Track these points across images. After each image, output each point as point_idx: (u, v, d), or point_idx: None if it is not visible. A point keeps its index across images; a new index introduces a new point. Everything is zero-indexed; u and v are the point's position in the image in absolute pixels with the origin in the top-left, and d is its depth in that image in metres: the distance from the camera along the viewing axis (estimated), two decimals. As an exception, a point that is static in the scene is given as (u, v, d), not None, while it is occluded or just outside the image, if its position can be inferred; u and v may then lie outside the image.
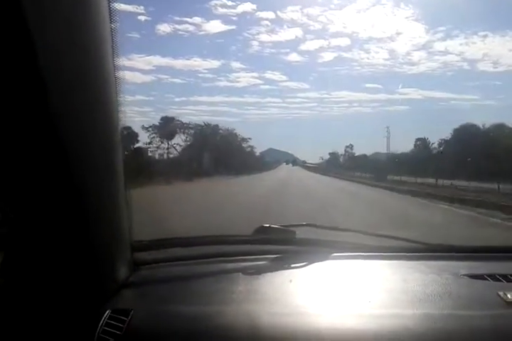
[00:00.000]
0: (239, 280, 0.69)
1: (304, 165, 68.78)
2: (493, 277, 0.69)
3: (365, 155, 52.03)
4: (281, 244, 0.81)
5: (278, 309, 0.59)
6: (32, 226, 0.48)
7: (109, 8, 0.50)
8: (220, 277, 0.71)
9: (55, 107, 0.43)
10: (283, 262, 0.75)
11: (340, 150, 65.24)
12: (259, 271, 0.70)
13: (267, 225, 0.80)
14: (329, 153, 72.64)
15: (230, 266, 0.74)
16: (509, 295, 0.60)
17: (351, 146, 70.65)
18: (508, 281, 0.68)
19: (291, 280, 0.66)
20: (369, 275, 0.72)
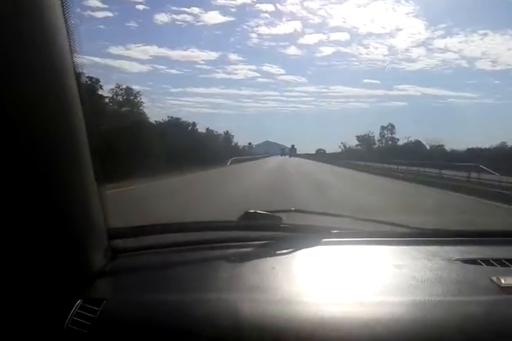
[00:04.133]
0: (221, 267, 0.94)
1: (323, 153, 72.11)
2: (486, 262, 0.95)
3: (419, 142, 52.21)
4: (267, 230, 1.09)
5: (260, 297, 0.79)
6: (3, 216, 0.66)
7: (63, 4, 0.72)
8: (201, 264, 0.96)
9: (13, 106, 0.62)
10: (268, 249, 1.02)
11: (376, 134, 65.30)
12: (242, 258, 0.97)
13: (252, 211, 1.09)
14: (357, 137, 72.65)
15: (212, 253, 1.01)
16: (503, 280, 0.82)
17: (391, 128, 69.85)
18: (502, 266, 0.94)
19: (273, 268, 0.92)
20: (358, 261, 0.98)
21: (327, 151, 77.13)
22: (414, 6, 78.42)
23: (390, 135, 65.92)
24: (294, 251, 1.02)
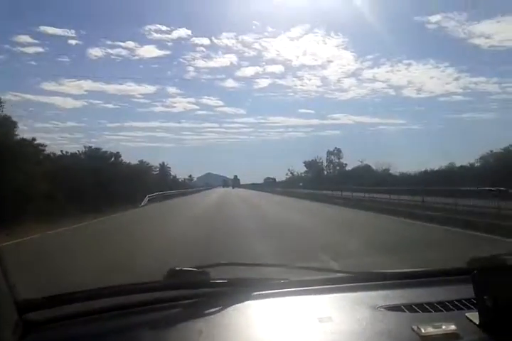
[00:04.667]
0: (145, 334, 0.95)
1: (272, 182, 73.75)
2: (409, 307, 1.05)
3: (368, 166, 54.30)
4: (195, 287, 1.13)
5: None
6: None
7: None
8: (124, 332, 0.97)
9: None
10: (196, 308, 1.06)
11: (323, 159, 67.22)
12: (168, 322, 0.98)
13: (178, 268, 1.13)
14: (304, 163, 74.51)
15: (135, 318, 1.02)
16: (422, 329, 0.88)
17: (338, 152, 73.14)
18: (423, 311, 1.03)
19: (201, 331, 0.94)
20: (286, 315, 1.04)
21: (277, 179, 78.77)
22: (343, 39, 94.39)
23: (337, 160, 66.33)
24: (222, 308, 1.05)
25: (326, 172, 62.68)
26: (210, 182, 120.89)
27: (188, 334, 0.93)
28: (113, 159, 33.49)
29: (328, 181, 43.98)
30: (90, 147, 31.18)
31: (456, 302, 1.05)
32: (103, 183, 21.20)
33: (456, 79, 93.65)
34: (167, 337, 0.93)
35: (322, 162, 63.00)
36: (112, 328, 0.97)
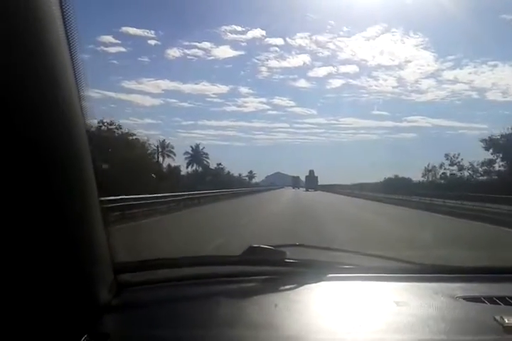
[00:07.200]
0: (224, 302, 1.11)
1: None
2: (490, 299, 1.10)
3: None
4: (271, 265, 1.29)
5: (262, 334, 0.92)
6: (10, 254, 0.74)
7: (68, 38, 0.85)
8: (205, 299, 1.14)
9: (22, 128, 0.72)
10: (271, 284, 1.21)
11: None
12: (245, 294, 1.15)
13: (256, 245, 1.30)
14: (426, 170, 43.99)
15: (216, 287, 1.21)
16: (506, 320, 0.92)
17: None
18: (506, 304, 1.08)
19: (276, 305, 1.07)
20: (361, 297, 1.15)
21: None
22: (423, 38, 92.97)
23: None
24: (297, 286, 1.19)
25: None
26: (279, 181, 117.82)
27: (263, 306, 1.08)
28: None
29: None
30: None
31: None
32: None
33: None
34: (244, 306, 1.07)
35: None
36: (194, 294, 1.15)
